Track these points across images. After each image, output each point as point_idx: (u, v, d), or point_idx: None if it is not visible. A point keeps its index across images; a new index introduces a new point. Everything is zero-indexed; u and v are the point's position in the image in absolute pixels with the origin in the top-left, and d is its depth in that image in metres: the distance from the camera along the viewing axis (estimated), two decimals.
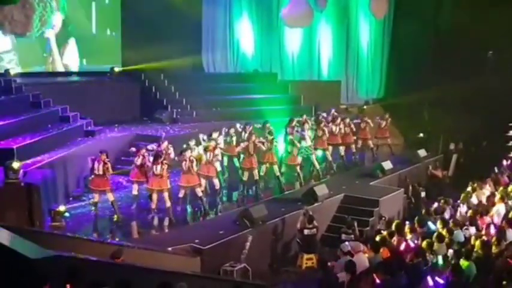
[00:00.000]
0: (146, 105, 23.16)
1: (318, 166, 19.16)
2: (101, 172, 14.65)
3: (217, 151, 16.44)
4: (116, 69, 23.67)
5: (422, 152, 22.03)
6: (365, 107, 27.18)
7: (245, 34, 27.02)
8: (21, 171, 13.31)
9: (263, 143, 17.33)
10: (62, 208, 14.01)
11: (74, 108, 19.40)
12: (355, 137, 21.40)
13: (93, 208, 15.10)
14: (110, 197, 14.82)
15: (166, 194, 14.88)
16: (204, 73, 26.03)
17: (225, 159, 18.34)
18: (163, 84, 23.74)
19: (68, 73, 22.90)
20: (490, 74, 24.38)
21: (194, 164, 15.19)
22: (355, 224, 14.84)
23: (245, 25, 26.99)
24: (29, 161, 14.60)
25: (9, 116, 16.38)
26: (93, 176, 14.93)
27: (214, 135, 17.12)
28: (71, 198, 16.07)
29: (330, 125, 20.54)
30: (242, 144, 17.53)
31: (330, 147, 20.24)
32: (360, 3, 29.55)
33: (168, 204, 14.89)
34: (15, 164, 13.09)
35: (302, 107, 24.59)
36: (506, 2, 24.61)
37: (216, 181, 16.70)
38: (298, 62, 28.60)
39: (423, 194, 19.34)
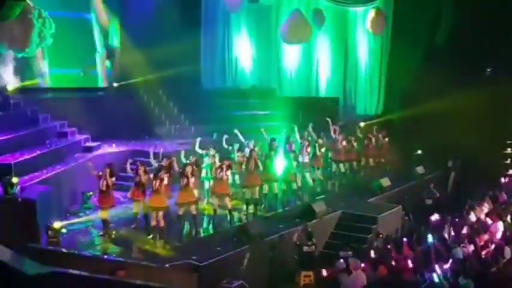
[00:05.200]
0: (144, 121, 23.14)
1: (305, 183, 18.96)
2: (104, 188, 14.48)
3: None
4: (114, 85, 23.69)
5: (420, 169, 22.02)
6: (362, 124, 27.19)
7: (244, 50, 27.09)
8: (19, 186, 13.28)
9: (260, 160, 17.13)
10: (58, 224, 13.93)
11: (71, 124, 19.38)
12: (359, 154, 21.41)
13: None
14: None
15: (161, 213, 14.46)
16: (202, 89, 26.05)
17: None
18: (161, 100, 23.75)
19: (66, 89, 22.89)
20: (488, 90, 24.41)
21: (192, 181, 15.03)
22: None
23: (244, 41, 27.07)
24: (26, 177, 14.56)
25: (7, 132, 16.37)
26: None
27: (212, 151, 17.08)
28: (68, 214, 16.01)
29: (336, 138, 20.52)
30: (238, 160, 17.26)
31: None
32: (358, 21, 29.68)
33: (162, 224, 14.47)
34: (13, 180, 13.06)
35: (300, 124, 24.57)
36: (504, 18, 24.74)
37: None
38: (296, 78, 28.65)
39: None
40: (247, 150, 17.66)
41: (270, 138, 18.66)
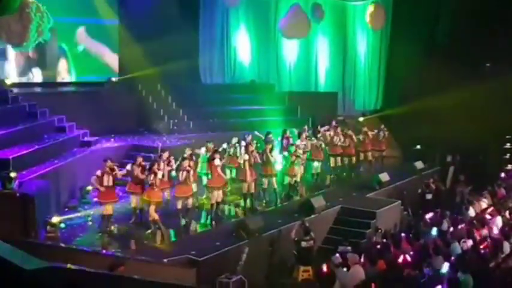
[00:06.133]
0: (143, 116, 23.13)
1: (303, 177, 18.99)
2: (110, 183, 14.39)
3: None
4: (113, 79, 23.65)
5: (419, 164, 22.00)
6: (361, 118, 27.20)
7: (242, 45, 27.06)
8: (17, 181, 13.24)
9: (259, 155, 17.15)
10: (57, 219, 13.91)
11: (70, 119, 19.33)
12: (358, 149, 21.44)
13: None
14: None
15: (152, 207, 14.38)
16: (201, 84, 26.03)
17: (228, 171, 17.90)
18: (160, 95, 23.72)
19: (64, 83, 22.88)
20: (487, 86, 24.39)
21: (191, 174, 15.03)
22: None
23: (242, 36, 27.03)
24: (24, 172, 14.52)
25: (5, 126, 16.30)
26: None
27: (210, 145, 17.08)
28: (66, 209, 15.97)
29: (331, 133, 20.53)
30: (243, 156, 17.27)
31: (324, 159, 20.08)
32: (357, 15, 29.65)
33: (155, 217, 14.33)
34: (11, 174, 13.02)
35: (299, 119, 24.58)
36: (503, 13, 24.71)
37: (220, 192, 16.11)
38: (295, 73, 28.64)
39: None
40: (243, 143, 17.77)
41: (265, 132, 18.72)
